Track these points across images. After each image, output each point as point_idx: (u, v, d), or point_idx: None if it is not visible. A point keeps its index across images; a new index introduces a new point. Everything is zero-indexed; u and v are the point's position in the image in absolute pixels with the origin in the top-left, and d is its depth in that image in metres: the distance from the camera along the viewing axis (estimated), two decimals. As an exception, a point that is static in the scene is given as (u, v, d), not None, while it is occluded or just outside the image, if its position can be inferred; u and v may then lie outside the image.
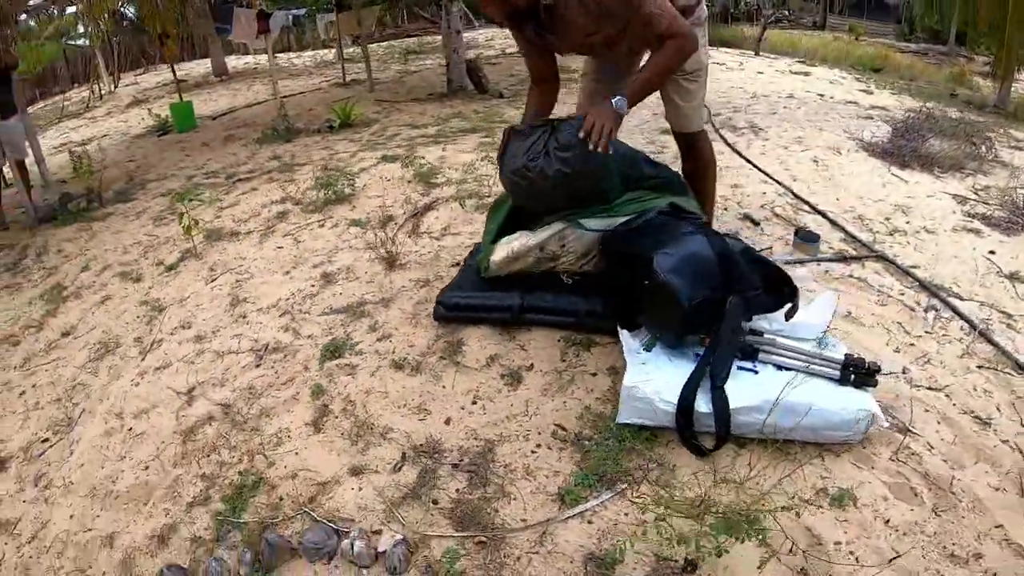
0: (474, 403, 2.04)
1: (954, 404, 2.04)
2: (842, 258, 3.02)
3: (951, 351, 2.32)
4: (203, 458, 2.06)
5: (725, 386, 1.80)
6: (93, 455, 2.18)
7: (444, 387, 2.14)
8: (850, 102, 7.14)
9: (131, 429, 2.28)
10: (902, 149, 4.59)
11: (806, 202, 3.70)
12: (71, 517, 1.92)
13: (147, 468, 2.07)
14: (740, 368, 1.90)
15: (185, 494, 1.92)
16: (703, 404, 1.79)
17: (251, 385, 2.37)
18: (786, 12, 21.62)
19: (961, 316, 2.55)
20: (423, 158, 4.82)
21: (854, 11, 21.28)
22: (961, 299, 2.69)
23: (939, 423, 1.96)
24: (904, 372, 2.17)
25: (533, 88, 2.57)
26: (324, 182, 4.55)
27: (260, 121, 7.95)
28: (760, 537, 1.45)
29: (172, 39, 9.13)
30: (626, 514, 1.64)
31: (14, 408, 2.62)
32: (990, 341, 2.38)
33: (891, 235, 3.30)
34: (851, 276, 2.83)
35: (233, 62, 15.45)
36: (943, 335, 2.42)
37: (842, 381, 1.88)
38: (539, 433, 1.92)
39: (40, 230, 4.86)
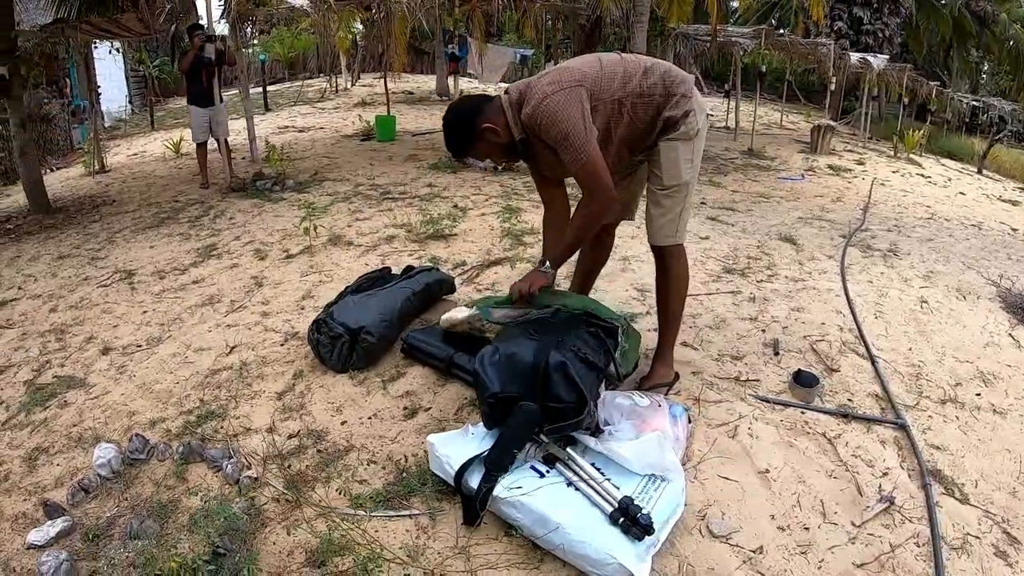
0: (370, 418, 2.95)
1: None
2: (842, 414, 2.74)
3: (852, 553, 2.09)
4: (210, 390, 3.24)
5: (503, 475, 2.14)
6: (156, 365, 3.48)
7: (366, 401, 3.09)
8: (1043, 245, 6.58)
9: (186, 358, 3.55)
10: (1043, 308, 4.03)
11: (865, 343, 3.41)
12: (121, 395, 3.22)
13: (178, 383, 3.30)
14: (533, 467, 2.23)
15: (184, 406, 3.11)
16: (475, 481, 2.16)
17: (266, 356, 3.52)
18: (1034, 131, 19.72)
19: (931, 519, 2.19)
20: (522, 216, 5.60)
21: (1116, 141, 18.97)
22: (963, 502, 2.34)
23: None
24: (757, 551, 2.07)
25: (545, 210, 2.98)
26: (429, 219, 5.65)
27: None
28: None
29: (398, 57, 10.96)
30: (377, 531, 2.18)
31: (135, 320, 4.07)
32: (937, 562, 2.03)
33: (942, 404, 2.99)
34: (825, 435, 2.64)
35: (463, 84, 17.54)
36: (867, 534, 2.18)
37: (611, 520, 1.98)
38: (386, 455, 2.58)
39: (228, 197, 6.52)
